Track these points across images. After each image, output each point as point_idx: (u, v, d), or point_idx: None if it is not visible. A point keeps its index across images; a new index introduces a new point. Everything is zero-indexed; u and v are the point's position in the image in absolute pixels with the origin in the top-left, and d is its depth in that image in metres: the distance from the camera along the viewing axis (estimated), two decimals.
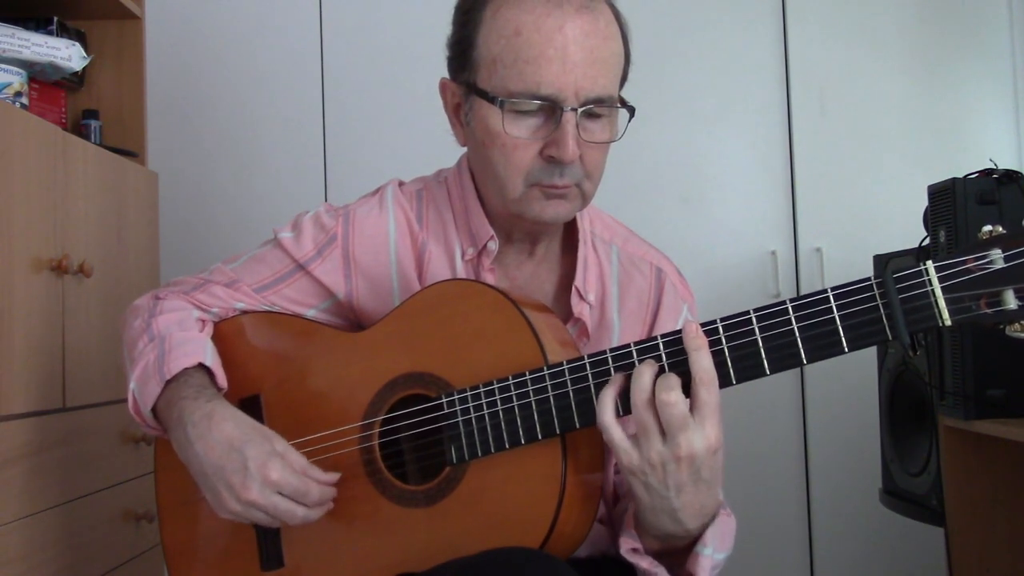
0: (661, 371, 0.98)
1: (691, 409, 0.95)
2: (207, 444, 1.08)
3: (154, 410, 1.16)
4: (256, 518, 1.07)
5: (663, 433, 0.95)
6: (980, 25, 2.71)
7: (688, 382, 0.95)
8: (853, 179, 2.67)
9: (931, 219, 1.87)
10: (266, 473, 1.05)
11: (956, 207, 1.77)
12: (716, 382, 0.96)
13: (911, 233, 2.03)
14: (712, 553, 1.03)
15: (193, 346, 1.17)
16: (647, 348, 0.99)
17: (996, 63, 2.70)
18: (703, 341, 0.96)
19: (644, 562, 1.04)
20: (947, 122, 2.69)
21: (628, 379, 0.98)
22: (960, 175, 1.79)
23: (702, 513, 1.01)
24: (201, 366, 1.17)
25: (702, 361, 0.95)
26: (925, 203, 1.89)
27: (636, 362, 0.99)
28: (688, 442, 0.94)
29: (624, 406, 0.98)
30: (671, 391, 0.94)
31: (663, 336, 0.99)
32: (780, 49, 2.69)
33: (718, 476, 1.00)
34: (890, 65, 2.70)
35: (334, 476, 1.10)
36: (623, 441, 0.97)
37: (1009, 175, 1.77)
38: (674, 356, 0.98)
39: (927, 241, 1.88)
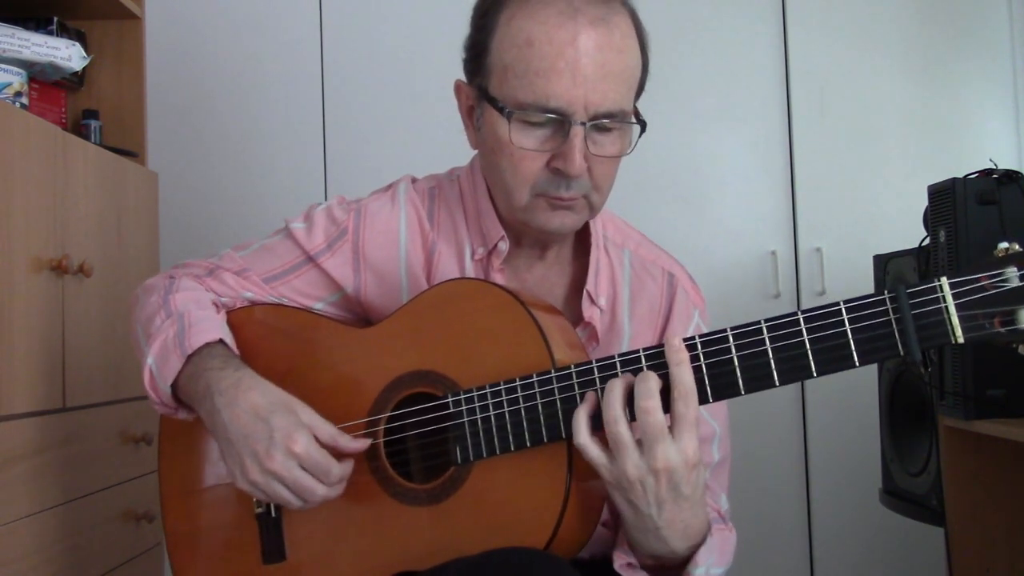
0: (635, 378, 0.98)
1: (669, 423, 0.96)
2: (234, 412, 1.07)
3: (172, 386, 1.15)
4: (275, 491, 1.05)
5: (639, 446, 0.96)
6: (980, 25, 2.71)
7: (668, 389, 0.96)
8: (853, 179, 2.67)
9: (931, 219, 1.87)
10: (290, 444, 1.04)
11: (956, 207, 1.77)
12: (695, 397, 0.96)
13: (911, 233, 2.03)
14: (706, 571, 1.03)
15: (211, 323, 1.17)
16: (656, 354, 0.99)
17: (996, 63, 2.70)
18: (684, 355, 0.97)
19: None
20: (947, 122, 2.69)
21: (600, 399, 0.99)
22: (960, 175, 1.80)
23: (687, 534, 1.01)
24: (221, 342, 1.16)
25: (682, 375, 0.96)
26: (925, 203, 1.89)
27: (644, 368, 0.99)
28: (664, 455, 0.95)
29: (598, 424, 0.99)
30: (650, 398, 0.95)
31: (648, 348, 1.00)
32: (780, 49, 2.69)
33: (701, 493, 1.00)
34: (890, 65, 2.70)
35: (365, 443, 1.09)
36: (601, 457, 0.98)
37: (1009, 175, 1.77)
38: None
39: (927, 241, 1.88)
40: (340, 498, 1.10)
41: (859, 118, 2.68)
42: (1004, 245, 0.91)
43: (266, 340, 1.22)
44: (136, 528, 1.89)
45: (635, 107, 1.13)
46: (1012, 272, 0.89)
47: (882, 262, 2.13)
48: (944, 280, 0.91)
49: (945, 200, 1.81)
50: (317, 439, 1.07)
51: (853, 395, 2.54)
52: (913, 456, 2.06)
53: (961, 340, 0.90)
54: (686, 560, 1.03)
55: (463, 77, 1.18)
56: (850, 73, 2.69)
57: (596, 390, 1.00)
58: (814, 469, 2.64)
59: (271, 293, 1.24)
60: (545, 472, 1.01)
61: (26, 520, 1.52)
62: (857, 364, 0.94)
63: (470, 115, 1.18)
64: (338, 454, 1.08)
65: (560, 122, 1.07)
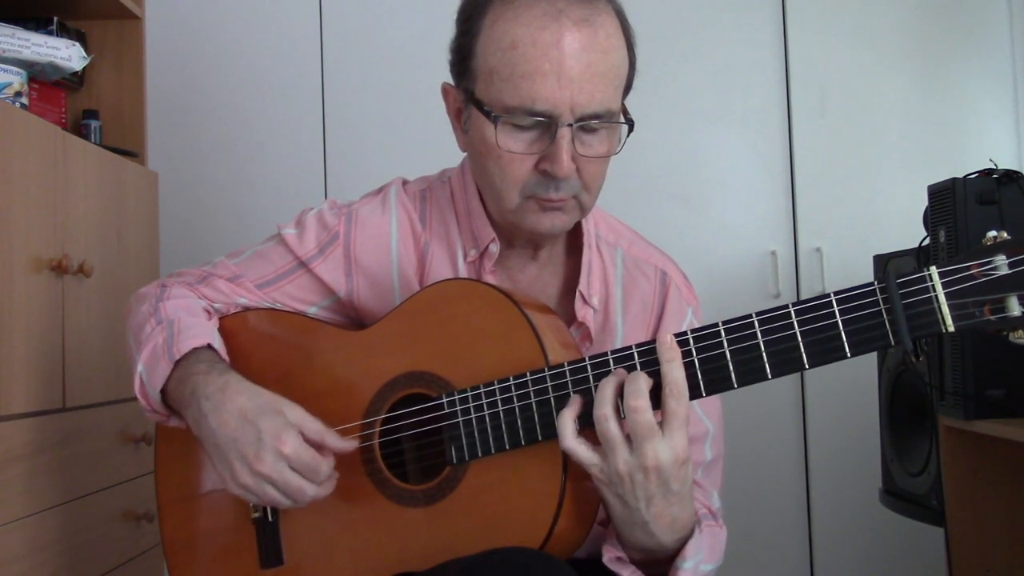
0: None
1: (660, 420, 0.96)
2: (220, 417, 1.07)
3: (162, 393, 1.15)
4: (266, 493, 1.05)
5: (629, 443, 0.96)
6: (980, 25, 2.71)
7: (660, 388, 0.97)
8: (853, 179, 2.67)
9: (931, 219, 1.87)
10: (279, 445, 1.03)
11: (956, 207, 1.77)
12: (687, 394, 0.96)
13: (911, 233, 2.03)
14: (695, 566, 1.04)
15: (201, 329, 1.18)
16: (649, 350, 0.99)
17: (996, 63, 2.70)
18: (676, 353, 0.97)
19: (626, 571, 1.05)
20: (947, 122, 2.69)
21: (586, 401, 0.99)
22: (960, 175, 1.79)
23: (674, 527, 1.01)
24: (209, 347, 1.17)
25: (674, 372, 0.96)
26: (925, 203, 1.89)
27: (637, 365, 0.99)
28: (654, 452, 0.95)
29: (586, 422, 0.99)
30: (639, 397, 0.95)
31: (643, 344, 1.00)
32: (780, 49, 2.69)
33: (689, 488, 1.00)
34: (890, 65, 2.70)
35: (352, 444, 1.09)
36: (591, 457, 0.98)
37: (1009, 175, 1.77)
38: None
39: (927, 241, 1.88)
40: (337, 501, 1.10)
41: (859, 118, 2.68)
42: (993, 233, 0.91)
43: (260, 345, 1.22)
44: (136, 528, 1.89)
45: (623, 106, 1.13)
46: (1001, 260, 0.89)
47: (882, 262, 2.13)
48: (934, 269, 0.91)
49: (945, 200, 1.81)
50: (305, 436, 1.06)
51: (853, 395, 2.54)
52: (913, 456, 2.06)
53: (952, 328, 0.91)
54: (674, 554, 1.04)
55: (450, 80, 1.18)
56: (850, 73, 2.68)
57: (590, 388, 1.00)
58: (814, 469, 2.64)
59: (264, 298, 1.25)
60: (540, 470, 1.02)
61: (26, 520, 1.52)
62: (849, 355, 0.94)
63: (458, 118, 1.18)
64: (326, 453, 1.08)
65: (547, 124, 1.06)
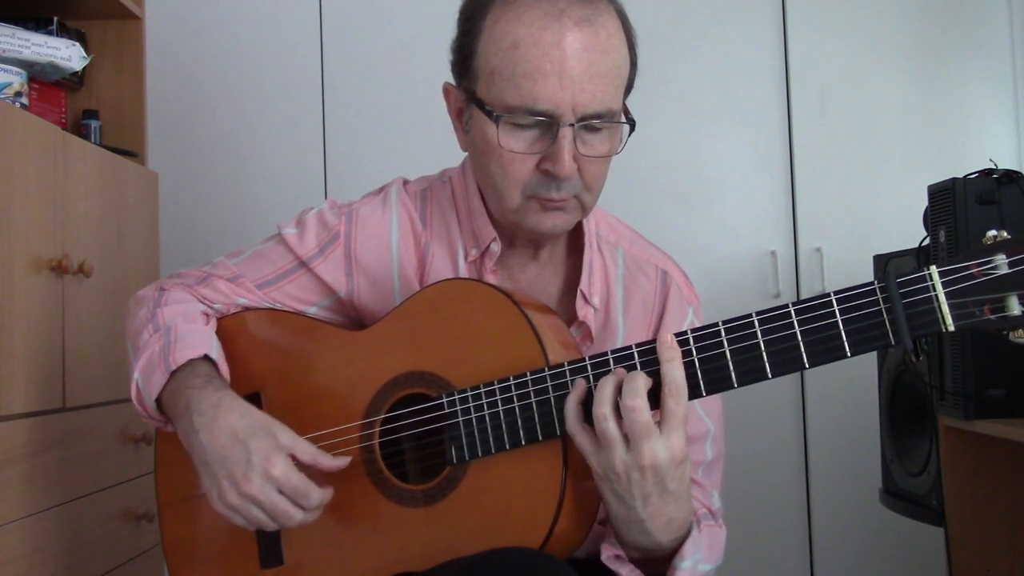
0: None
1: (659, 419, 0.96)
2: (211, 434, 1.07)
3: (157, 400, 1.15)
4: (252, 515, 1.05)
5: (626, 441, 0.96)
6: (980, 25, 2.71)
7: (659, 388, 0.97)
8: (853, 179, 2.67)
9: (931, 219, 1.87)
10: (268, 467, 1.03)
11: (956, 207, 1.77)
12: (686, 394, 0.96)
13: (911, 233, 2.03)
14: (693, 566, 1.04)
15: (198, 338, 1.17)
16: (649, 350, 0.99)
17: (996, 63, 2.70)
18: (676, 352, 0.97)
19: (624, 569, 1.05)
20: (947, 122, 2.69)
21: (588, 387, 1.00)
22: (960, 175, 1.79)
23: (671, 527, 1.01)
24: (206, 358, 1.16)
25: (673, 372, 0.96)
26: (925, 203, 1.89)
27: (637, 364, 0.99)
28: (651, 451, 0.95)
29: (585, 417, 0.99)
30: (636, 397, 0.95)
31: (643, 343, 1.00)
32: (780, 49, 2.69)
33: (686, 487, 1.00)
34: (890, 65, 2.70)
35: (345, 460, 1.09)
36: (589, 446, 0.98)
37: (1009, 175, 1.77)
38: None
39: (927, 241, 1.88)
40: (337, 501, 1.10)
41: (859, 118, 2.68)
42: (992, 233, 0.91)
43: (260, 345, 1.22)
44: (136, 528, 1.89)
45: (624, 106, 1.13)
46: (1001, 259, 0.89)
47: (882, 262, 2.13)
48: (934, 269, 0.91)
49: (945, 200, 1.81)
50: (298, 459, 1.06)
51: (853, 395, 2.54)
52: (913, 456, 2.06)
53: (952, 328, 0.91)
54: (672, 553, 1.04)
55: (451, 79, 1.18)
56: (850, 73, 2.69)
57: (590, 388, 1.00)
58: (814, 469, 2.64)
59: (264, 299, 1.25)
60: (541, 470, 1.02)
61: (26, 520, 1.52)
62: (849, 355, 0.94)
63: (459, 117, 1.18)
64: (321, 473, 1.08)
65: (548, 124, 1.07)
